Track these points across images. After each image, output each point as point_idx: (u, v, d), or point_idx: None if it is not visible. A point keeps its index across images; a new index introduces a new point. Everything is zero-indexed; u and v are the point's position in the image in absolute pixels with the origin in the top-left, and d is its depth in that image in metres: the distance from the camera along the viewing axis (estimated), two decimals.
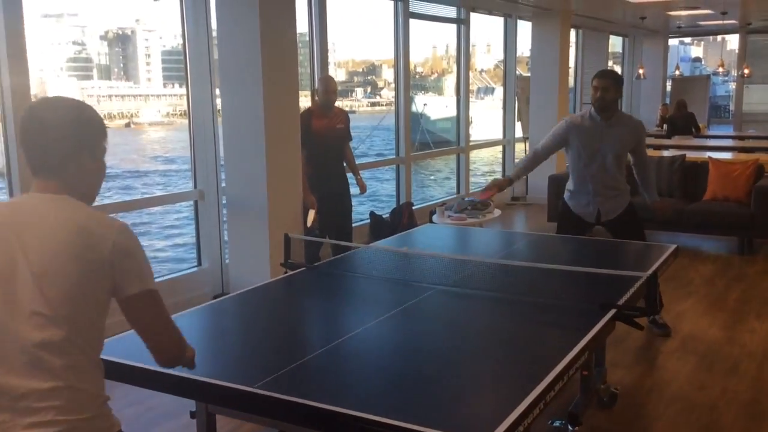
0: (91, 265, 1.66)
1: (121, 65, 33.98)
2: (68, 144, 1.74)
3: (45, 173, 1.75)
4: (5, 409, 1.63)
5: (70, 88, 31.62)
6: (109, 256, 1.67)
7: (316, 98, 5.67)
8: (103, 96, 31.95)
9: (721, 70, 15.45)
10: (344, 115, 5.82)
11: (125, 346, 2.43)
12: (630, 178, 4.76)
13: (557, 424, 3.20)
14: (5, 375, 1.64)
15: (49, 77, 31.23)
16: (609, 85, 4.44)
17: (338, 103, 5.91)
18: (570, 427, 3.14)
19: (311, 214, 5.48)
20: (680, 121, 12.11)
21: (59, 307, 1.64)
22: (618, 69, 16.52)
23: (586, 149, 4.55)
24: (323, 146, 5.59)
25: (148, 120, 33.19)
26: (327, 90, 5.56)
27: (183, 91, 5.78)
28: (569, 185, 4.75)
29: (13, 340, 1.64)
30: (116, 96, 32.54)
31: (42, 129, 1.73)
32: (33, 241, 1.66)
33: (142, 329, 1.77)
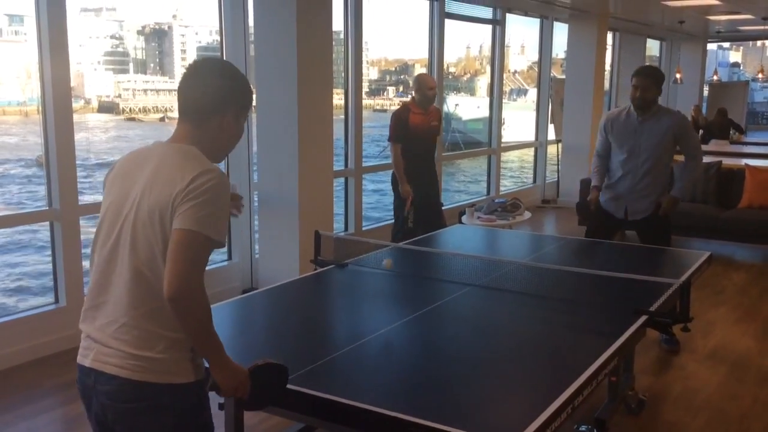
0: (163, 208, 1.74)
1: (157, 60, 34.39)
2: (217, 97, 1.87)
3: (186, 117, 1.89)
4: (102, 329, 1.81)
5: (107, 82, 32.08)
6: (174, 198, 1.73)
7: (413, 95, 5.82)
8: (139, 90, 32.36)
9: (760, 76, 15.18)
10: (438, 113, 6.02)
11: None
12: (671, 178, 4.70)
13: (584, 429, 3.18)
14: (109, 304, 1.81)
15: (87, 70, 31.72)
16: (649, 85, 4.38)
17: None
18: None
19: (407, 204, 5.72)
20: (716, 127, 11.93)
21: (141, 246, 1.76)
22: None
23: (622, 145, 4.53)
24: (418, 142, 5.75)
25: None
26: (430, 87, 5.73)
27: None
28: (607, 179, 4.71)
29: (120, 275, 1.79)
30: (151, 90, 32.94)
31: (197, 78, 1.88)
32: (140, 186, 1.80)
33: (167, 259, 1.71)
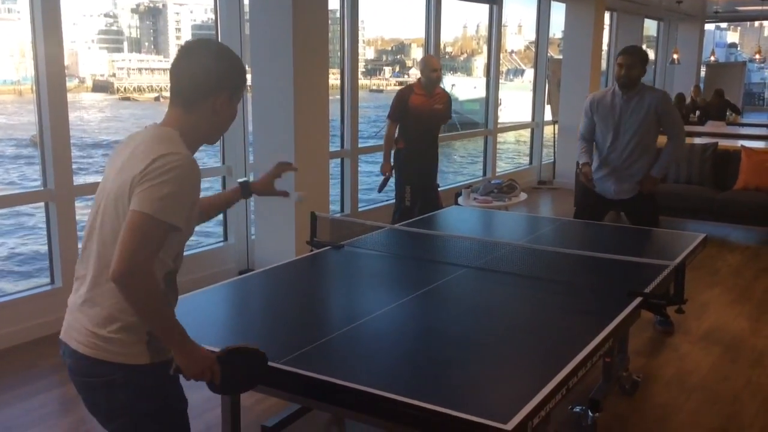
0: (123, 191, 1.75)
1: (152, 39, 34.14)
2: (210, 79, 1.85)
3: (178, 100, 1.87)
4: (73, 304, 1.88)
5: (101, 60, 31.86)
6: (133, 180, 1.72)
7: (420, 78, 5.81)
8: (133, 69, 32.13)
9: (758, 56, 15.15)
10: (446, 97, 5.96)
11: None
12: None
13: (578, 410, 3.21)
14: (82, 279, 1.85)
15: (81, 49, 31.45)
16: (634, 62, 4.43)
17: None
18: (590, 414, 3.14)
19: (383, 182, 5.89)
20: (714, 108, 11.92)
21: (106, 228, 1.78)
22: (652, 53, 16.26)
23: (607, 125, 4.58)
24: (418, 123, 5.76)
25: None
26: (433, 69, 5.72)
27: None
28: (594, 161, 4.74)
29: (91, 253, 1.83)
30: (146, 69, 32.70)
31: (190, 59, 1.86)
32: (116, 168, 1.82)
33: (118, 240, 1.69)
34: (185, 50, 1.89)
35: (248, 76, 1.99)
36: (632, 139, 4.52)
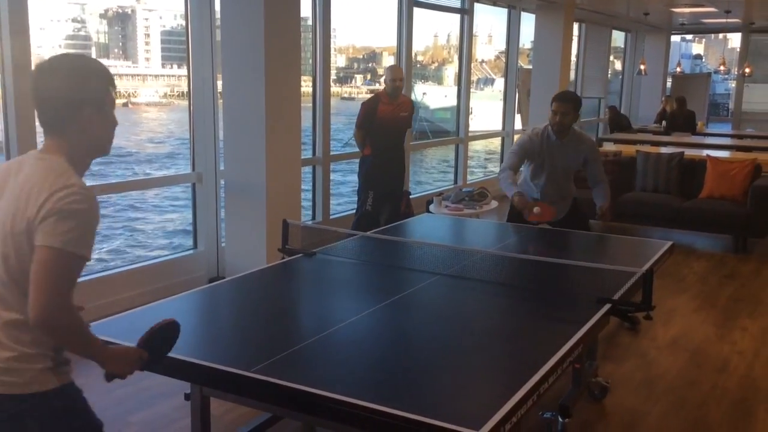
0: (21, 222, 1.69)
1: (120, 44, 33.74)
2: (65, 101, 1.76)
3: (47, 130, 1.80)
4: None
5: None
6: (36, 215, 1.67)
7: (385, 87, 5.96)
8: None
9: (722, 68, 15.45)
10: (409, 104, 6.13)
11: (119, 327, 2.45)
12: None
13: (548, 416, 3.23)
14: None
15: (48, 54, 31.02)
16: (568, 110, 4.53)
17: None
18: (560, 419, 3.16)
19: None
20: (680, 118, 12.11)
21: (3, 261, 1.73)
22: (619, 64, 16.52)
23: (540, 163, 4.72)
24: (385, 132, 5.92)
25: (146, 100, 33.00)
26: (394, 78, 5.85)
27: (181, 72, 5.81)
28: (520, 185, 4.77)
29: None
30: (114, 75, 32.32)
31: (40, 88, 1.78)
32: (4, 199, 1.75)
33: (31, 280, 1.66)
34: (38, 73, 1.80)
35: (108, 80, 1.87)
36: (564, 174, 4.75)
